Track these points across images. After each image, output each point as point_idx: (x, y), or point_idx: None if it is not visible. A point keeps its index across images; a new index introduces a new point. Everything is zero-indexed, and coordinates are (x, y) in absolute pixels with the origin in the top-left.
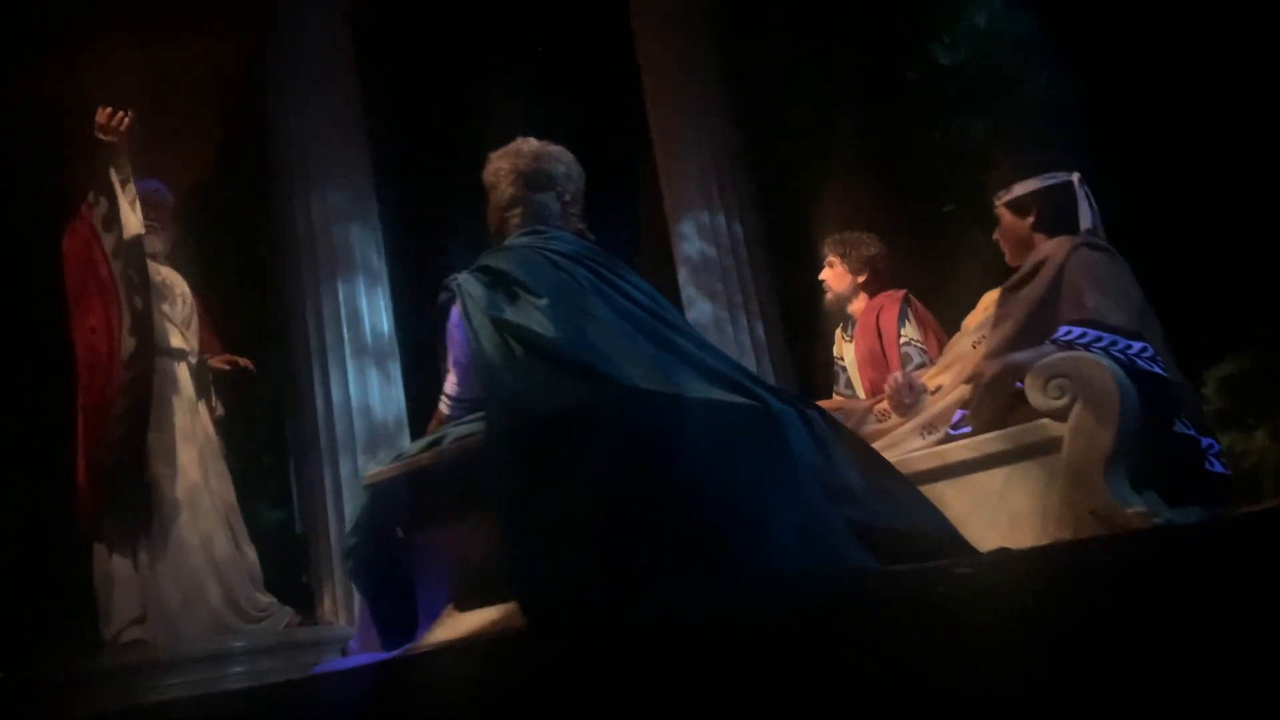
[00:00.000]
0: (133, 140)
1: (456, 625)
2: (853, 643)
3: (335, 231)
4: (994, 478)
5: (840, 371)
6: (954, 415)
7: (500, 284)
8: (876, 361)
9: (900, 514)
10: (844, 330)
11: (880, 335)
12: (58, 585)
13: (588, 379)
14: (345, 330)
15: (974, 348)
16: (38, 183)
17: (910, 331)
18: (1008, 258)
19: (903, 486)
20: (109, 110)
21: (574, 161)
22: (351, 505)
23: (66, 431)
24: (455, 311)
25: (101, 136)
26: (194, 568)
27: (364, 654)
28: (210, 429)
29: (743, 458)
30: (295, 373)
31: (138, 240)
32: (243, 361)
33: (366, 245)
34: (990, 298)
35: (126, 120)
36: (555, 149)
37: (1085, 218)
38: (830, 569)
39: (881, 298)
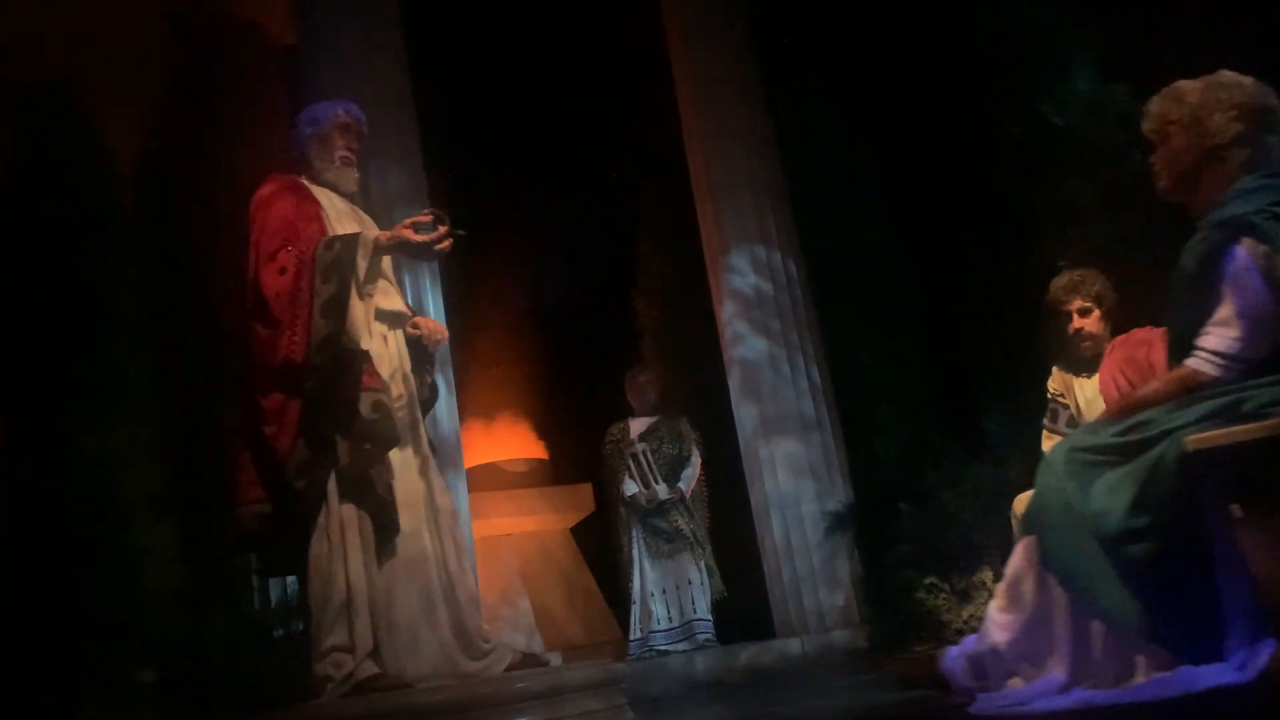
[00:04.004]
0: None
1: None
2: None
3: (398, 215)
4: None
5: (1061, 409)
6: None
7: None
8: None
9: None
10: (1070, 368)
11: (1155, 372)
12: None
13: None
14: None
15: None
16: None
17: None
18: None
19: None
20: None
21: None
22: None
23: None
24: (1239, 253)
25: (408, 235)
26: (426, 585)
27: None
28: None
29: None
30: None
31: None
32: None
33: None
34: None
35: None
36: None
37: None
38: None
39: (1143, 333)
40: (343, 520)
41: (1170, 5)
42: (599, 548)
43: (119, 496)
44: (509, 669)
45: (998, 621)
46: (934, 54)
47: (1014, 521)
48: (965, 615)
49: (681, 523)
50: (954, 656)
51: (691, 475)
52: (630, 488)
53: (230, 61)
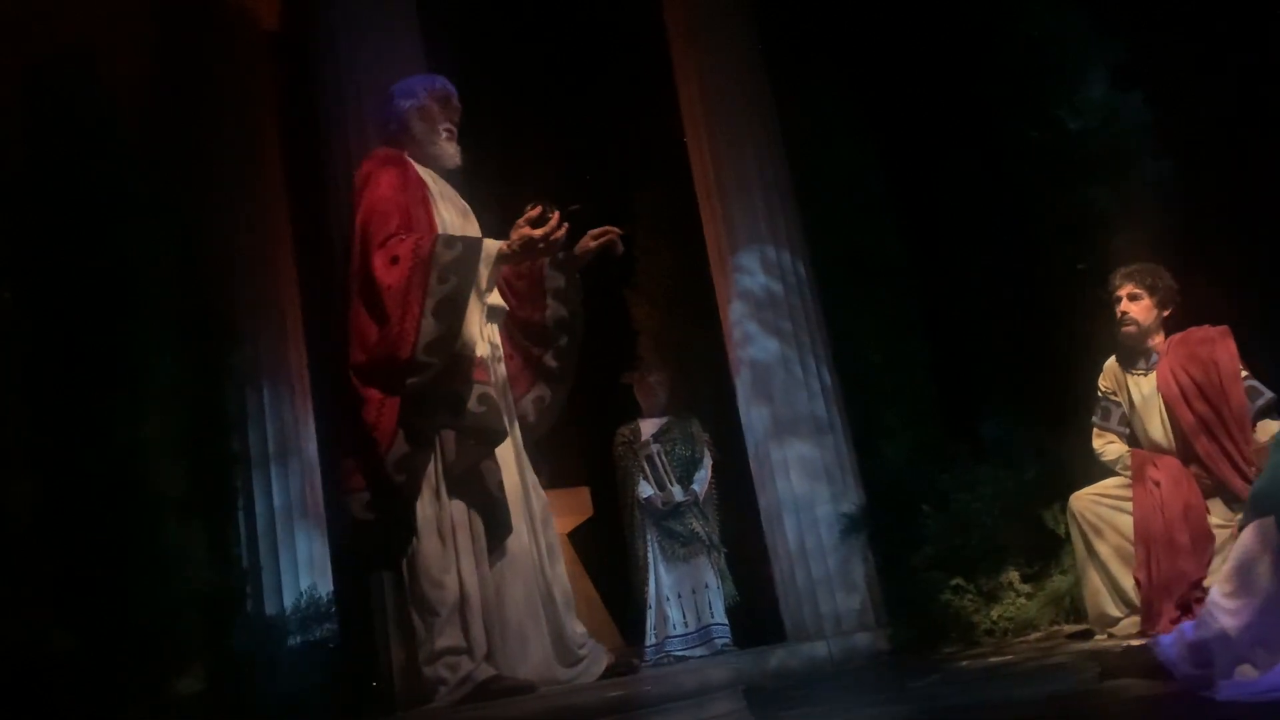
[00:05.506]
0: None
1: None
2: None
3: None
4: None
5: (1114, 407)
6: None
7: None
8: (1212, 395)
9: None
10: (1127, 365)
11: (1219, 369)
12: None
13: None
14: None
15: None
16: None
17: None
18: None
19: None
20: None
21: None
22: None
23: None
24: None
25: (529, 233)
26: (529, 586)
27: None
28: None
29: None
30: None
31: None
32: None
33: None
34: None
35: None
36: None
37: None
38: None
39: (1202, 331)
40: (453, 519)
41: (1183, 14)
42: (598, 553)
43: (150, 495)
44: (603, 675)
45: (1225, 607)
46: (941, 54)
47: (1070, 520)
48: (994, 615)
49: (697, 525)
50: (1169, 644)
51: (705, 477)
52: (645, 490)
53: (217, 46)
